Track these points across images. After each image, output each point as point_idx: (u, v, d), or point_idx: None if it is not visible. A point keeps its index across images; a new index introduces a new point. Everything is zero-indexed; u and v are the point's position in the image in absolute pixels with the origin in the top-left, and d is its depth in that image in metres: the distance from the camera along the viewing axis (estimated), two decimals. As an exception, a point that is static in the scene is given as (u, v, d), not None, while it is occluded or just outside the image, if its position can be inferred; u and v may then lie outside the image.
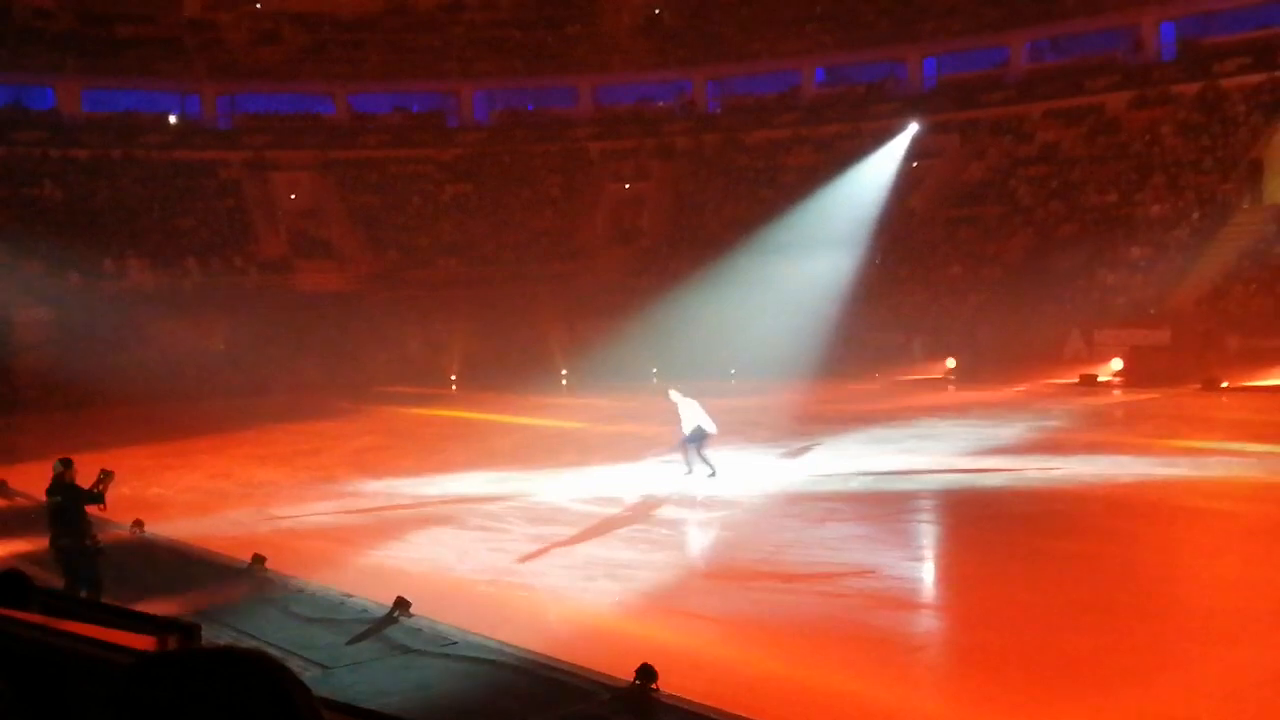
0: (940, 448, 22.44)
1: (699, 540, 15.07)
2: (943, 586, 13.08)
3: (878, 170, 48.12)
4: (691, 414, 19.39)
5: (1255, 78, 43.31)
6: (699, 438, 19.36)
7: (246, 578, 12.96)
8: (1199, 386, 31.04)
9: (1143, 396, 30.44)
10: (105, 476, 11.97)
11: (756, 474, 19.61)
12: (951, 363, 37.98)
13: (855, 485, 18.47)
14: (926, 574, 13.55)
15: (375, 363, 43.38)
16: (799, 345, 39.53)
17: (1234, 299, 34.86)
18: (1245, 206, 38.68)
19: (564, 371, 42.83)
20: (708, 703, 8.47)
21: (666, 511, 16.95)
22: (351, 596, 11.89)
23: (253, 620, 11.30)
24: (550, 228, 53.04)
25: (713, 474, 19.19)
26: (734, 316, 41.14)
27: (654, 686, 8.69)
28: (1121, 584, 12.02)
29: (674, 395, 19.79)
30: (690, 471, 19.40)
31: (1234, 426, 24.29)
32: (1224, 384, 30.93)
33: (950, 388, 35.90)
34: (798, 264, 42.73)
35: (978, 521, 15.91)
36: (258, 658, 1.58)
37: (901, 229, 46.72)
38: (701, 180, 54.39)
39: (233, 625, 10.92)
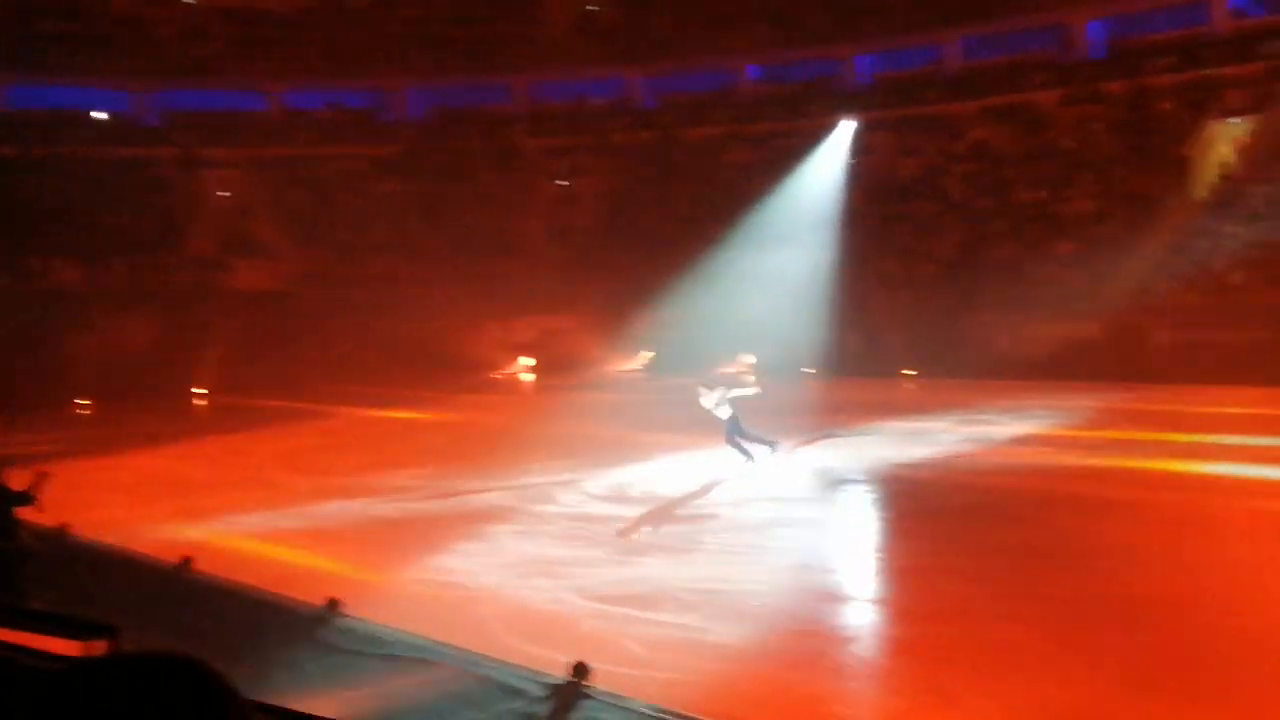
0: (872, 441, 22.63)
1: (633, 537, 15.03)
2: (877, 579, 13.15)
3: (824, 168, 48.35)
4: (724, 406, 19.53)
5: (1183, 76, 44.04)
6: (737, 428, 19.49)
7: (174, 579, 12.76)
8: (1127, 379, 31.64)
9: (1072, 389, 30.83)
10: (39, 478, 11.67)
11: (692, 471, 19.64)
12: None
13: (789, 479, 18.56)
14: (860, 567, 13.61)
15: (308, 361, 42.97)
16: (745, 340, 39.73)
17: (1162, 294, 35.39)
18: (1173, 203, 39.26)
19: (501, 369, 42.84)
20: (642, 698, 8.47)
21: (600, 508, 16.90)
22: (282, 597, 11.75)
23: (181, 622, 11.13)
24: (485, 225, 52.76)
25: (773, 448, 19.76)
26: (677, 313, 41.51)
27: (587, 683, 8.67)
28: (1051, 573, 12.17)
29: (704, 400, 19.75)
30: (751, 458, 19.47)
31: (1160, 418, 24.69)
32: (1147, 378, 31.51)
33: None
34: (745, 261, 43.16)
35: (910, 514, 16.05)
36: (188, 661, 1.54)
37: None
38: (638, 177, 54.40)
39: (160, 627, 10.74)
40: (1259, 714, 8.40)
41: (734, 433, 19.52)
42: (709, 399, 19.68)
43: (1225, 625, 10.29)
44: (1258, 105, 41.17)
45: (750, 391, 19.77)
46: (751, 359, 22.85)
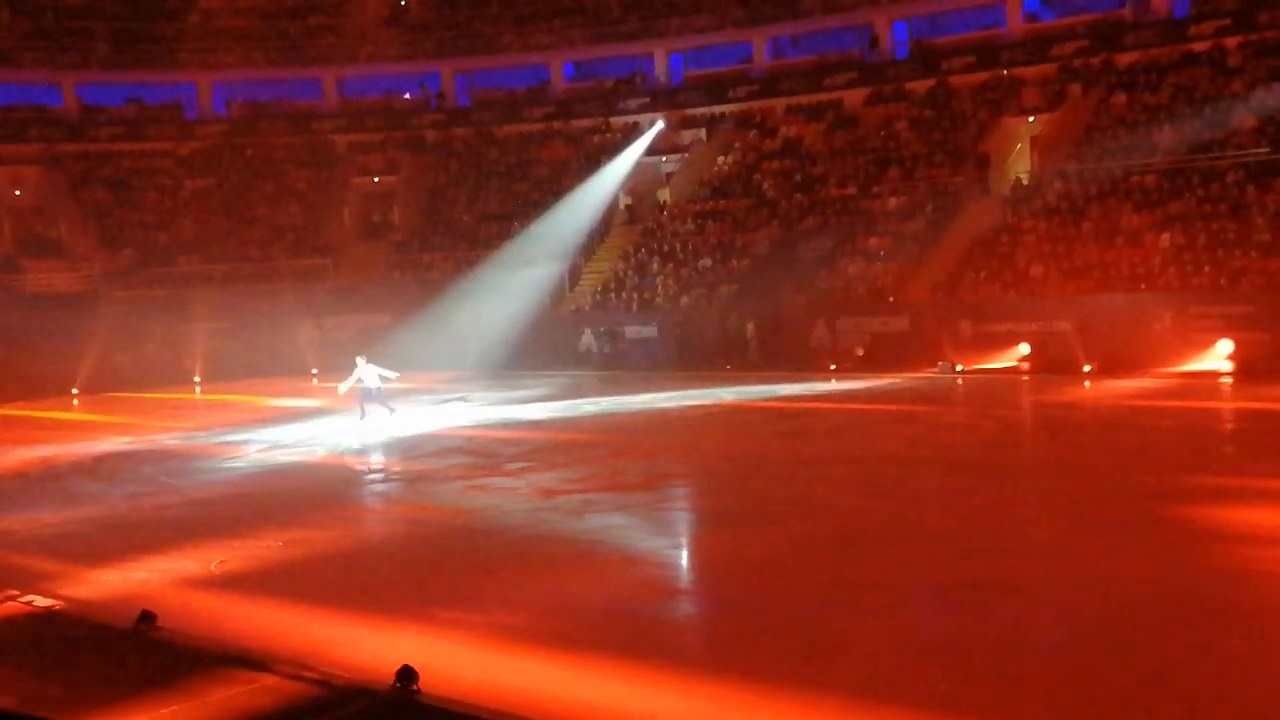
0: (690, 432, 22.93)
1: (455, 535, 14.88)
2: (697, 572, 13.27)
3: (619, 167, 49.30)
4: (371, 373, 26.29)
5: (980, 76, 45.67)
6: (376, 397, 26.27)
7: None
8: (936, 370, 32.70)
9: (884, 380, 31.72)
10: None
11: (512, 469, 19.56)
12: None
13: (610, 477, 18.59)
14: (687, 560, 13.72)
15: (114, 366, 41.47)
16: (555, 341, 40.70)
17: (966, 286, 36.56)
18: (975, 197, 40.60)
19: (314, 370, 42.08)
20: (472, 701, 8.38)
21: (415, 512, 16.71)
22: (91, 615, 11.28)
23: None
24: (296, 223, 51.69)
25: (392, 412, 26.27)
26: (486, 313, 42.03)
27: (415, 688, 8.53)
28: (864, 561, 12.44)
29: (359, 361, 26.41)
30: (364, 416, 26.18)
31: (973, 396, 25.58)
32: (959, 367, 32.72)
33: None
34: (547, 262, 44.32)
35: (733, 508, 16.17)
36: None
37: (653, 223, 47.44)
38: (452, 174, 53.93)
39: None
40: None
41: (373, 399, 26.32)
42: (365, 371, 26.36)
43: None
44: (1051, 104, 42.93)
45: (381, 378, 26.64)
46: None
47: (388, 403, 26.61)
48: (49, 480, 20.93)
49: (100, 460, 23.26)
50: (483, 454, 21.59)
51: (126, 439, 26.44)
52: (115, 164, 52.22)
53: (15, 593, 12.20)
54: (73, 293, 45.31)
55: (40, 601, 11.91)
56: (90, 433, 28.37)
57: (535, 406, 29.43)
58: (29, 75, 52.57)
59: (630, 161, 49.58)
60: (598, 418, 26.78)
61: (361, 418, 26.28)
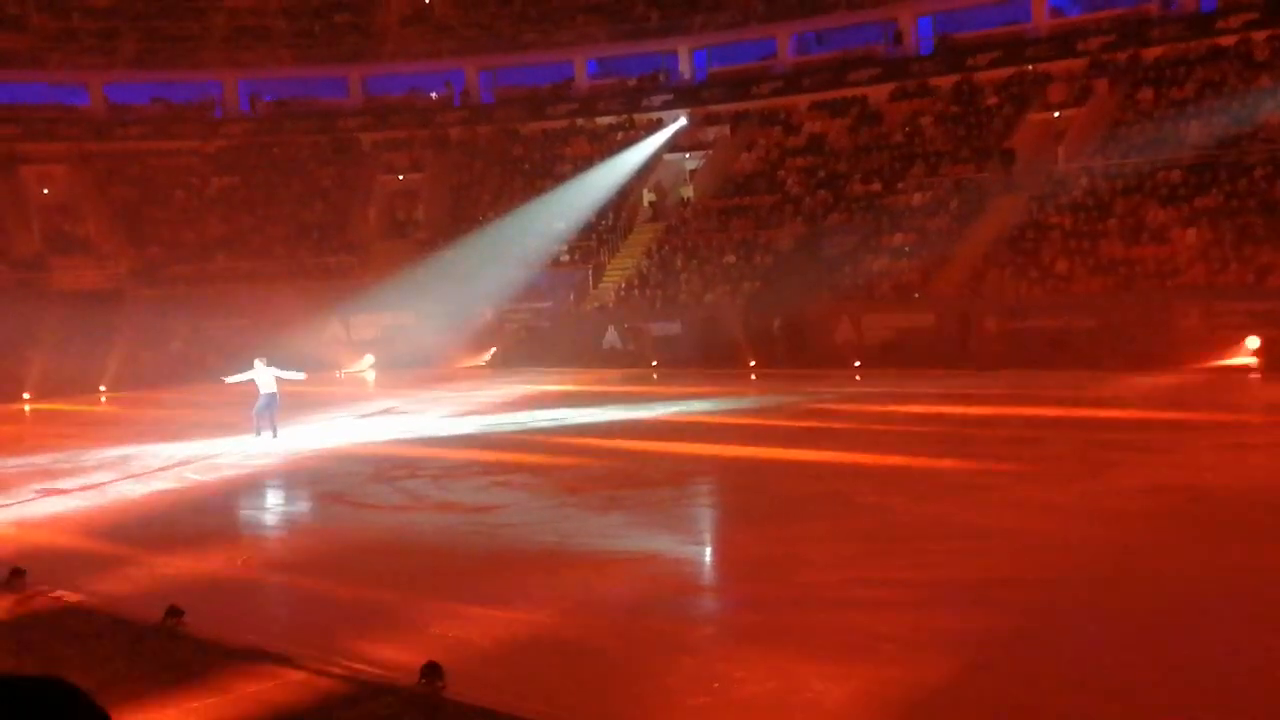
0: (715, 434, 22.93)
1: (480, 533, 14.93)
2: (721, 569, 13.29)
3: (631, 161, 49.79)
4: (268, 378, 23.29)
5: (1005, 71, 45.50)
6: (270, 403, 23.33)
7: (6, 591, 12.22)
8: (969, 369, 32.23)
9: (911, 376, 31.59)
10: None
11: (536, 464, 19.62)
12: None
13: (634, 474, 18.61)
14: (706, 558, 13.74)
15: (141, 362, 41.75)
16: (580, 338, 40.87)
17: (991, 282, 36.45)
18: (1000, 193, 40.44)
19: (341, 368, 42.33)
20: (497, 697, 8.40)
21: (439, 508, 16.76)
22: (118, 610, 11.35)
23: (14, 641, 10.67)
24: (322, 221, 51.90)
25: (275, 436, 23.39)
26: (508, 309, 42.63)
27: (440, 685, 8.56)
28: (891, 558, 12.42)
29: (258, 364, 23.49)
30: (259, 434, 23.48)
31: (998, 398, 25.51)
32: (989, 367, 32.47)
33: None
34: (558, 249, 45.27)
35: (752, 506, 16.16)
36: (61, 685, 1.46)
37: (676, 220, 47.48)
38: (477, 172, 54.06)
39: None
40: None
41: (263, 409, 23.42)
42: (261, 375, 23.39)
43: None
44: (1077, 99, 42.74)
45: (295, 376, 24.41)
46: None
47: (275, 423, 23.84)
48: (77, 475, 21.07)
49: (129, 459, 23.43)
50: (506, 449, 21.65)
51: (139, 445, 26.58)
52: (142, 162, 52.51)
53: (44, 588, 12.29)
54: (99, 290, 45.62)
55: (68, 596, 12.00)
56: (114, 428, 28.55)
57: (559, 409, 29.44)
58: (56, 75, 52.93)
59: (642, 156, 49.73)
60: (618, 422, 26.87)
61: (257, 434, 23.82)
